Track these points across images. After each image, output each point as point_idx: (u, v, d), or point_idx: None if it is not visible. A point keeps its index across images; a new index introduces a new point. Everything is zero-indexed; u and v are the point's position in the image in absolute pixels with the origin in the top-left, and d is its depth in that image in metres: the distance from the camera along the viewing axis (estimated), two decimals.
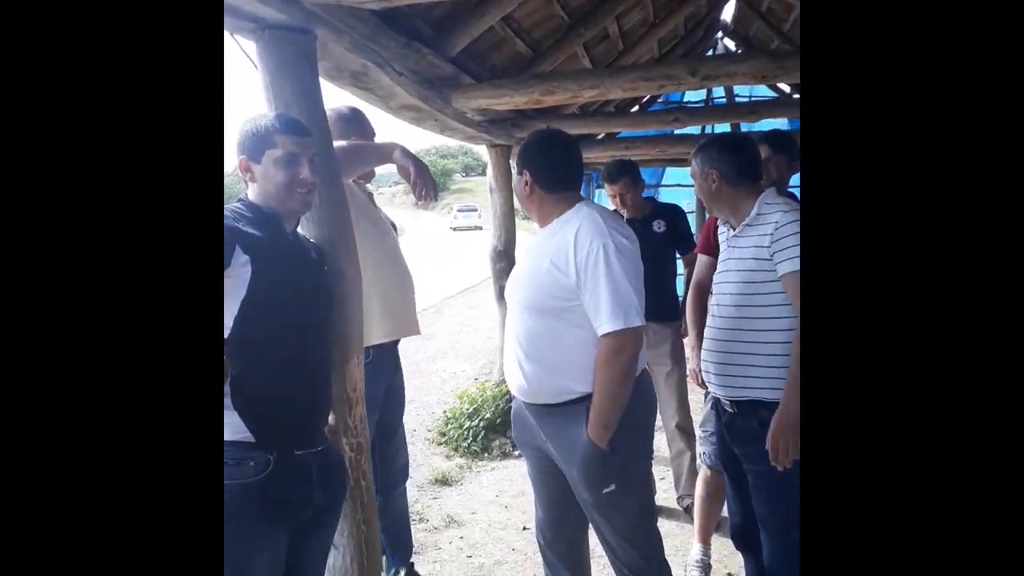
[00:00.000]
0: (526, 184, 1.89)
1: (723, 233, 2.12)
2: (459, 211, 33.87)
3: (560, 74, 3.08)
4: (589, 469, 1.78)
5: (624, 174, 3.13)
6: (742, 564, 2.30)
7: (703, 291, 2.46)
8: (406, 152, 2.06)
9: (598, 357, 1.74)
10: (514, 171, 2.09)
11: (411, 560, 2.69)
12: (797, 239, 1.83)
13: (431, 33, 2.83)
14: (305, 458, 1.53)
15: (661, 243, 3.25)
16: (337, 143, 2.00)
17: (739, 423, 1.96)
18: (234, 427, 1.43)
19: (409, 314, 2.40)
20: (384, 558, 2.62)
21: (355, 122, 2.38)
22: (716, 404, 2.09)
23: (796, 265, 1.82)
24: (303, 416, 1.56)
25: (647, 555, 1.91)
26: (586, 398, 1.76)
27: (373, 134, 2.41)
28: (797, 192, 2.41)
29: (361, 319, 1.99)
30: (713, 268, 2.20)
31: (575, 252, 1.73)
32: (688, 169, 2.11)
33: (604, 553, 1.98)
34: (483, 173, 31.14)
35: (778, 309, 1.90)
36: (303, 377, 1.56)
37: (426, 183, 2.06)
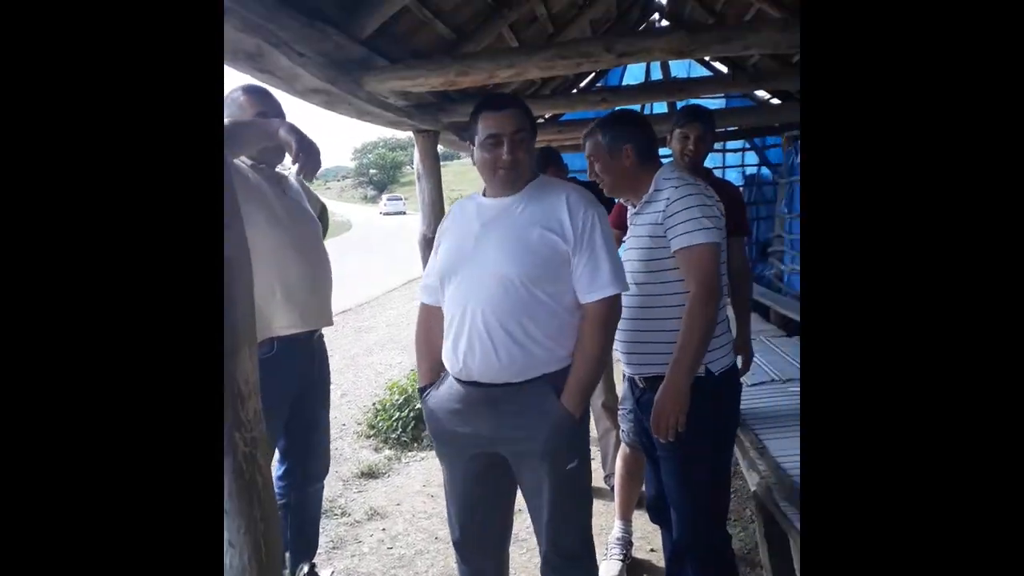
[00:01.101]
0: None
1: (628, 212, 2.10)
2: (387, 200, 42.69)
3: (475, 54, 2.99)
4: (561, 441, 1.73)
5: (549, 163, 3.10)
6: None
7: None
8: (291, 128, 1.96)
9: (591, 322, 1.73)
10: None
11: (313, 560, 2.59)
12: (690, 214, 1.82)
13: (338, 13, 2.72)
14: None
15: None
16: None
17: (647, 398, 1.95)
18: None
19: (319, 305, 2.30)
20: (287, 555, 2.53)
21: (254, 102, 2.28)
22: (631, 381, 2.09)
23: (688, 240, 1.82)
24: None
25: (585, 537, 1.87)
26: (559, 370, 1.73)
27: (279, 114, 2.30)
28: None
29: (252, 307, 1.89)
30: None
31: (571, 217, 1.72)
32: None
33: (537, 546, 1.90)
34: None
35: (675, 285, 1.89)
36: None
37: (308, 158, 1.97)
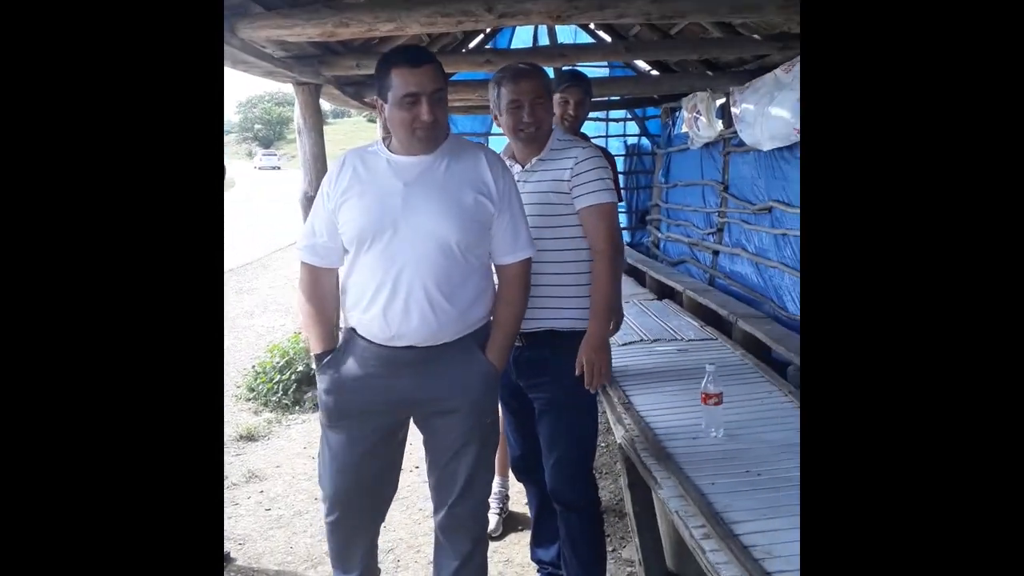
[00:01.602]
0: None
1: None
2: (263, 155, 44.26)
3: (355, 6, 2.91)
4: (487, 394, 1.79)
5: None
6: None
7: None
8: None
9: (515, 282, 1.80)
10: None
11: None
12: (598, 174, 1.92)
13: None
14: None
15: None
16: None
17: (528, 355, 1.98)
18: None
19: None
20: None
21: None
22: None
23: (597, 199, 1.91)
24: None
25: (487, 497, 1.91)
26: (480, 328, 1.78)
27: None
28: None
29: None
30: None
31: (493, 180, 1.73)
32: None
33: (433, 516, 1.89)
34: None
35: (574, 241, 1.95)
36: None
37: None
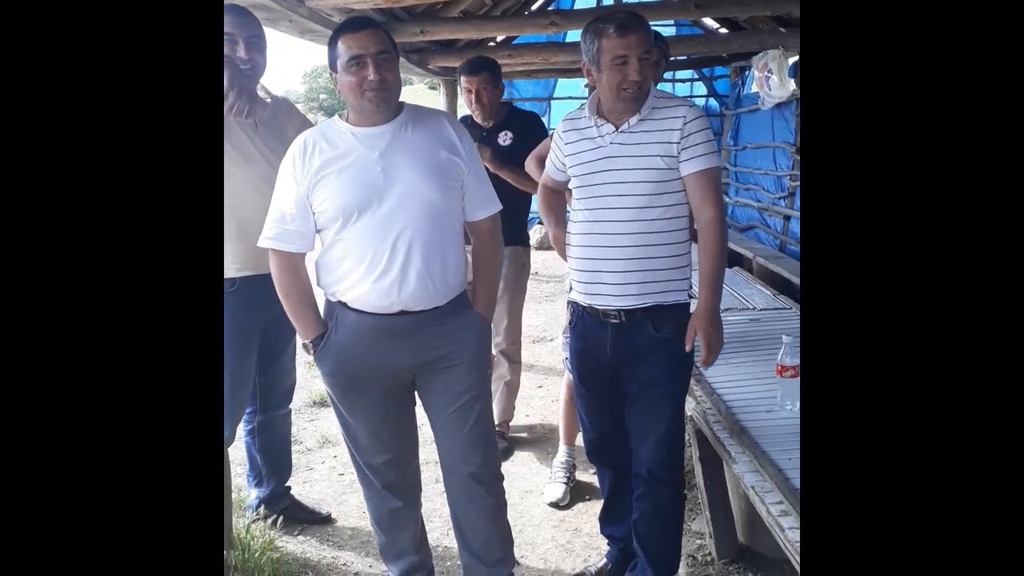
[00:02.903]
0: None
1: (586, 129, 1.89)
2: None
3: None
4: (484, 346, 1.91)
5: (485, 69, 2.91)
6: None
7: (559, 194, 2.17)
8: (224, 63, 1.85)
9: (491, 236, 1.91)
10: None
11: (288, 484, 2.65)
12: (707, 135, 1.80)
13: None
14: None
15: (504, 159, 2.88)
16: None
17: (629, 333, 1.87)
18: None
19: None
20: (250, 477, 2.61)
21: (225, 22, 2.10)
22: (590, 314, 1.93)
23: (707, 163, 1.78)
24: None
25: (495, 454, 1.97)
26: (464, 291, 1.87)
27: (250, 36, 2.09)
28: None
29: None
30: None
31: (459, 139, 1.81)
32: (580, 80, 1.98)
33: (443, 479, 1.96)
34: None
35: (680, 208, 1.84)
36: None
37: (238, 97, 1.89)
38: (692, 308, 1.89)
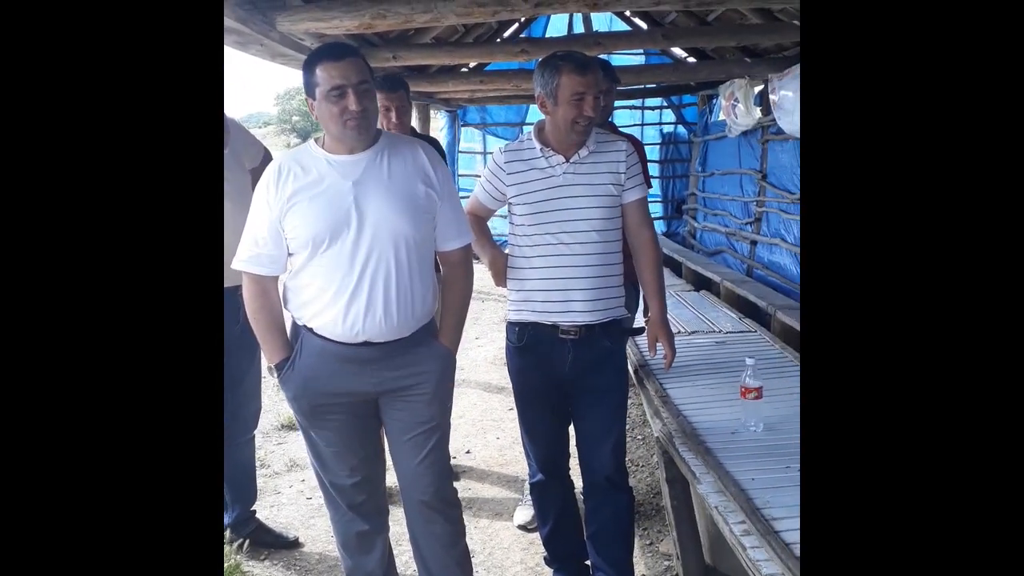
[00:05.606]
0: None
1: (532, 160, 1.98)
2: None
3: None
4: (447, 376, 1.88)
5: (402, 87, 2.73)
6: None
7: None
8: None
9: (462, 267, 1.91)
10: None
11: (253, 509, 2.61)
12: (640, 167, 2.05)
13: None
14: None
15: None
16: None
17: (588, 347, 1.98)
18: None
19: None
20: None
21: None
22: (547, 332, 2.00)
23: (643, 192, 2.05)
24: None
25: (448, 482, 1.96)
26: (431, 320, 1.88)
27: None
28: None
29: None
30: None
31: (433, 170, 1.80)
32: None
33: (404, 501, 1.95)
34: None
35: (619, 231, 2.04)
36: None
37: None
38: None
